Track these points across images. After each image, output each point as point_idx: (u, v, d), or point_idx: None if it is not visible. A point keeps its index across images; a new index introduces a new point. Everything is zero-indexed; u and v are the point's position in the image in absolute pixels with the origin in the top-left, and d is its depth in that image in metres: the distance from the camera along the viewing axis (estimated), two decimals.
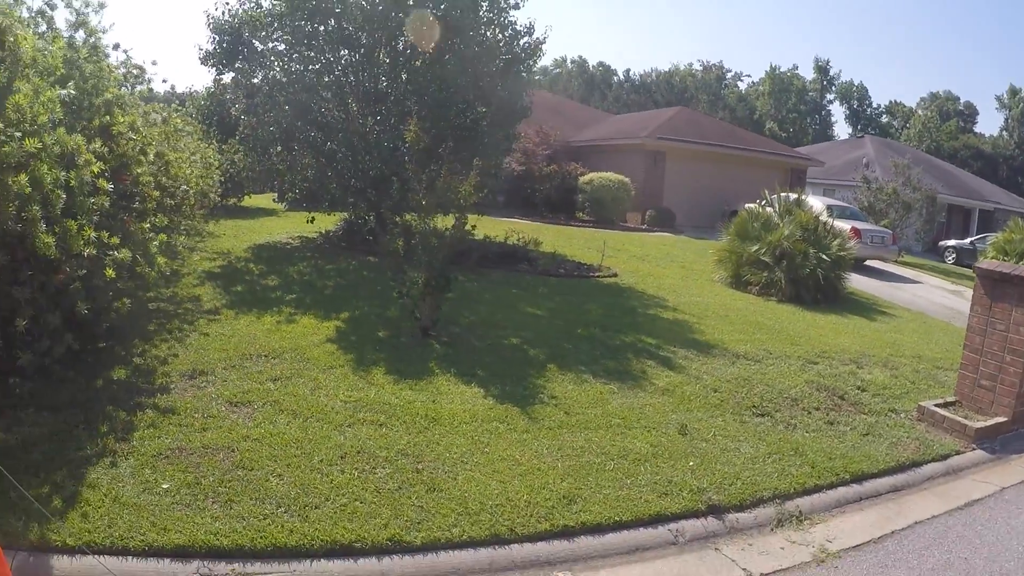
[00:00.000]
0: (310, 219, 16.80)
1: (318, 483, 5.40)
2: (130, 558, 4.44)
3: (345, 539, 4.78)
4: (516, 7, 15.57)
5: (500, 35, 15.48)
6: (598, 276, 15.38)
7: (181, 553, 4.50)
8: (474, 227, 10.12)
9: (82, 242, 5.92)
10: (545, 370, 8.53)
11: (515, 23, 15.69)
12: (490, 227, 17.98)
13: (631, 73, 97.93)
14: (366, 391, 7.31)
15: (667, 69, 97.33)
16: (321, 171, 15.09)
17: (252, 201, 24.26)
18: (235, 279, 11.96)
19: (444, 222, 9.69)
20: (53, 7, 8.40)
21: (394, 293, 9.72)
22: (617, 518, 5.50)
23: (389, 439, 6.26)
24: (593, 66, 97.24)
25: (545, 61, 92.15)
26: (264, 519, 4.87)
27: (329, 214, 16.85)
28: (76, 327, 6.58)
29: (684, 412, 7.73)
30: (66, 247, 5.79)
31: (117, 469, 5.32)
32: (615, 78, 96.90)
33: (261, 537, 4.67)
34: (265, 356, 8.02)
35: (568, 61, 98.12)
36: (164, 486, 5.15)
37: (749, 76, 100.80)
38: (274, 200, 18.29)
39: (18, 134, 5.40)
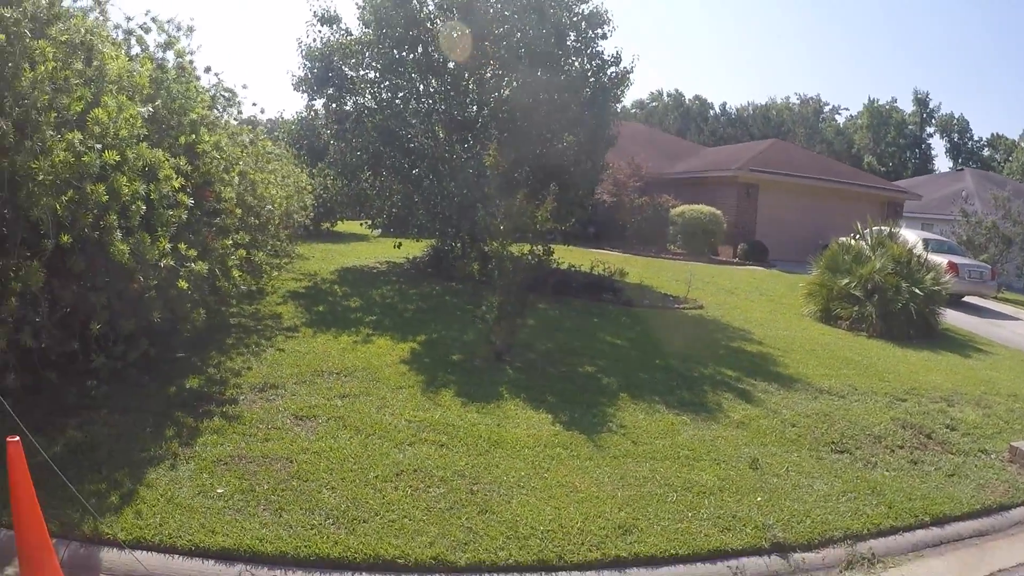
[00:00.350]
0: (397, 244, 17.10)
1: (370, 498, 5.44)
2: (176, 557, 4.59)
3: (389, 555, 4.80)
4: (603, 37, 15.62)
5: (588, 64, 15.55)
6: (683, 308, 15.19)
7: (225, 556, 4.62)
8: (551, 253, 10.09)
9: (157, 252, 6.15)
10: (617, 399, 8.39)
11: (602, 53, 15.74)
12: (578, 257, 18.00)
13: (727, 106, 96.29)
14: (432, 412, 7.34)
15: (764, 102, 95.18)
16: (408, 197, 15.34)
17: (345, 227, 24.85)
18: (318, 299, 12.26)
19: (524, 249, 9.68)
20: (147, 30, 8.79)
21: (474, 316, 9.76)
22: (673, 551, 5.33)
23: (448, 459, 6.27)
24: (689, 99, 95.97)
25: (641, 94, 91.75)
26: (311, 529, 4.94)
27: (417, 240, 17.09)
28: (153, 335, 6.85)
29: (758, 446, 7.48)
30: (140, 257, 6.01)
31: (176, 471, 5.51)
32: (711, 111, 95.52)
33: (306, 546, 4.74)
34: (337, 374, 8.15)
35: (664, 94, 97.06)
36: (219, 490, 5.29)
37: (847, 109, 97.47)
38: (365, 226, 18.70)
39: (98, 146, 5.67)
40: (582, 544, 5.23)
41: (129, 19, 8.83)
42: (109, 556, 4.54)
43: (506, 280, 9.20)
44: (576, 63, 15.41)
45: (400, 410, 7.27)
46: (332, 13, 16.53)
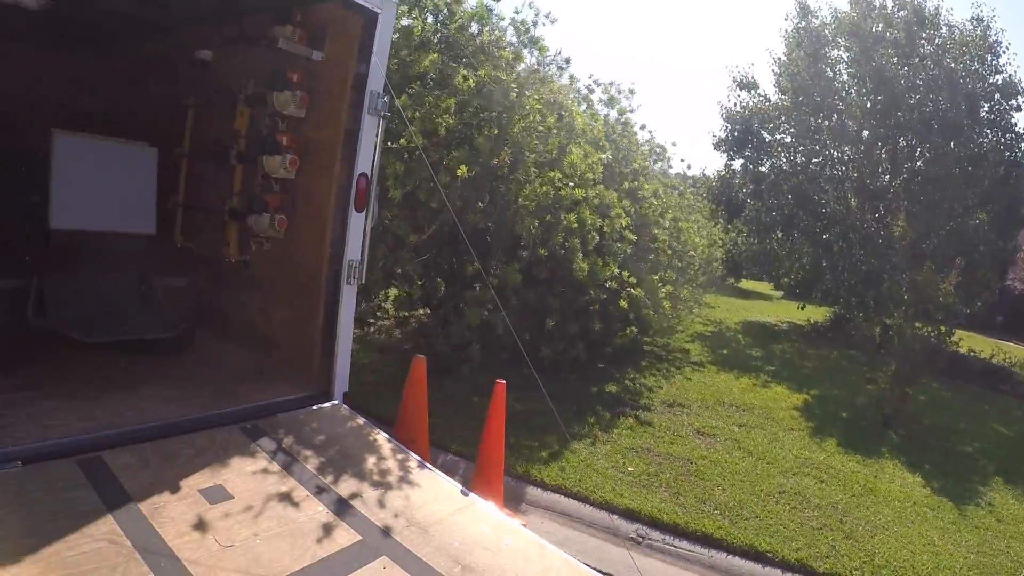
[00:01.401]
0: (801, 306, 17.54)
1: (753, 504, 6.27)
2: (587, 506, 5.84)
3: (761, 548, 5.58)
4: (1018, 109, 14.92)
5: (1000, 137, 14.97)
6: None
7: (628, 515, 5.76)
8: (952, 333, 10.10)
9: (607, 275, 7.59)
10: (990, 480, 8.35)
11: (1015, 125, 15.07)
12: (979, 344, 17.17)
13: None
14: (816, 453, 7.98)
15: None
16: (816, 260, 15.76)
17: (748, 284, 25.63)
18: (722, 343, 13.37)
19: (922, 325, 9.85)
20: (591, 90, 10.38)
21: (867, 381, 10.04)
22: None
23: (824, 493, 6.88)
24: None
25: None
26: (702, 513, 5.90)
27: (819, 306, 17.42)
28: (589, 343, 8.30)
29: None
30: (594, 276, 7.46)
31: (594, 448, 6.85)
32: None
33: (695, 524, 5.71)
34: (736, 406, 9.15)
35: None
36: (629, 469, 6.50)
37: None
38: (771, 287, 19.38)
39: (571, 184, 7.19)
40: None
41: (575, 80, 10.45)
42: (534, 493, 5.96)
43: (903, 351, 9.46)
44: (989, 135, 14.91)
45: (788, 446, 8.02)
46: (750, 79, 17.47)
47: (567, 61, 11.50)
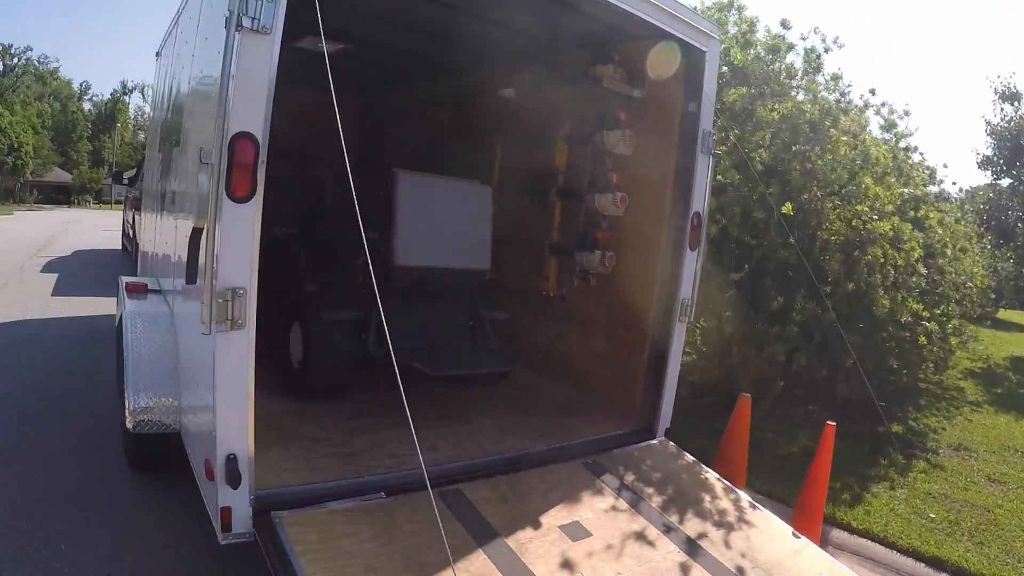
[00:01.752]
0: None
1: None
2: (895, 552, 5.78)
3: None
4: None
5: None
6: None
7: (934, 563, 5.65)
8: None
9: (906, 310, 7.48)
10: None
11: None
12: None
13: None
14: None
15: None
16: None
17: (1005, 315, 24.08)
18: (994, 382, 12.84)
19: None
20: (862, 111, 9.79)
21: None
22: None
23: None
24: None
25: None
26: (1006, 566, 5.71)
27: None
28: (880, 381, 8.20)
29: None
30: (894, 312, 7.35)
31: (894, 492, 6.81)
32: None
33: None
34: (1021, 452, 8.73)
35: None
36: (931, 515, 6.39)
37: None
38: None
39: (875, 217, 7.11)
40: None
41: (866, 108, 10.05)
42: (840, 536, 5.95)
43: None
44: None
45: None
46: (1013, 90, 16.35)
47: (872, 92, 11.21)
